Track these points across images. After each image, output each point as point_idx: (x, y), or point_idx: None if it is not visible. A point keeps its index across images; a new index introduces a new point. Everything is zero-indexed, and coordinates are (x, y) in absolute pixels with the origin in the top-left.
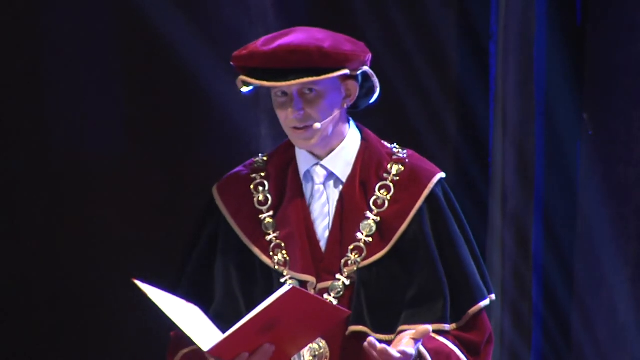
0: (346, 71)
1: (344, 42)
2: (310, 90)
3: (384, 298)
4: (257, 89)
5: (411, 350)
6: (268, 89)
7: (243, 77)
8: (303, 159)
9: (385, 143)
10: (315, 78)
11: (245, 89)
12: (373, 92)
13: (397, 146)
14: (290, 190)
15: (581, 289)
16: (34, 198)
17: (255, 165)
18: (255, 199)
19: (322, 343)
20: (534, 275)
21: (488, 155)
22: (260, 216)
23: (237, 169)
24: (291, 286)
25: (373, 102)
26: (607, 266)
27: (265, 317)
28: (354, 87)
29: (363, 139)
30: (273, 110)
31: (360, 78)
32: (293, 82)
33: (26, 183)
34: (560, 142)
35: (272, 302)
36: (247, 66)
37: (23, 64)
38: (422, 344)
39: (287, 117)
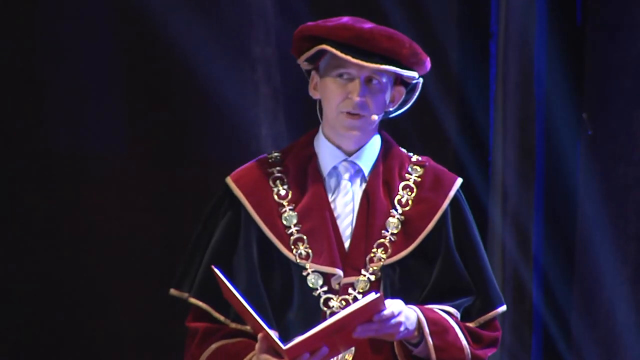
0: (416, 74)
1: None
2: (377, 81)
3: (406, 297)
4: (313, 69)
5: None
6: (328, 67)
7: (327, 47)
8: (329, 155)
9: (401, 148)
10: (398, 69)
11: (306, 67)
12: (404, 106)
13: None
14: (312, 186)
15: (581, 289)
16: (34, 198)
17: (271, 160)
18: (275, 193)
19: None
20: (534, 275)
21: (488, 155)
22: (280, 209)
23: (251, 162)
24: (379, 294)
25: (396, 116)
26: (607, 266)
27: (344, 322)
28: (400, 95)
29: (384, 140)
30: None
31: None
32: (380, 66)
33: (26, 183)
34: (560, 142)
35: (357, 309)
36: (330, 39)
37: (23, 64)
38: (423, 314)
39: (345, 99)
